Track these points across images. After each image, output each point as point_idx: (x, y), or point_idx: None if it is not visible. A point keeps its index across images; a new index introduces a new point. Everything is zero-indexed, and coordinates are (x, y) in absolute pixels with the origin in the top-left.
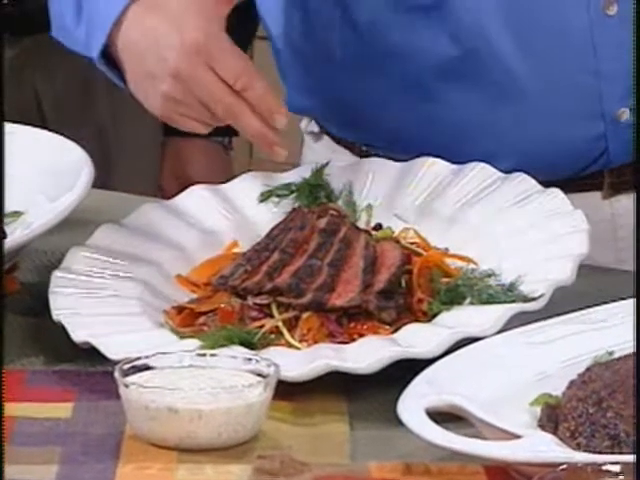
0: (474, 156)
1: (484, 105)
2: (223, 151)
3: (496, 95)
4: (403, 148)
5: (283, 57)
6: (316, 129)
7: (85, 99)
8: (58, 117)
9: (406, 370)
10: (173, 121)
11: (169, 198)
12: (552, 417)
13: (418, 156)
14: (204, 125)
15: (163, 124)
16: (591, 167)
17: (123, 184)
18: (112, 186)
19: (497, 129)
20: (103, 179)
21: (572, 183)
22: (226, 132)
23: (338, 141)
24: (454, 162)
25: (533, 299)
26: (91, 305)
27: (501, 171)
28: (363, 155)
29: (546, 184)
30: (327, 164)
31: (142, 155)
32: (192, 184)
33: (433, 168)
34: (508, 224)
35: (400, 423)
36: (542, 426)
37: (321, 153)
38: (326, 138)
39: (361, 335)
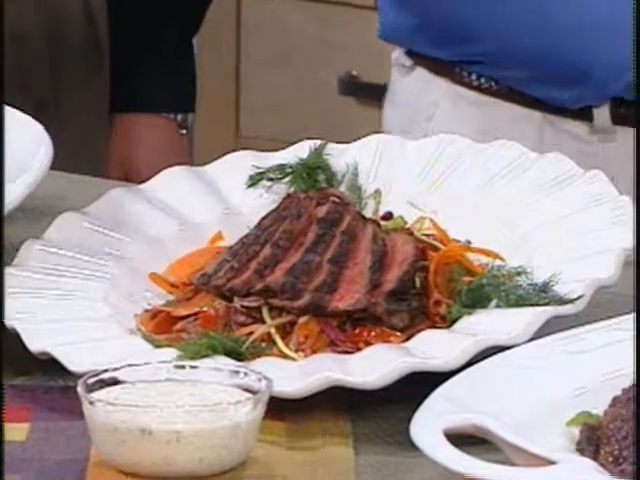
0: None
1: None
2: (177, 130)
3: None
4: (516, 60)
5: None
6: (408, 62)
7: (20, 65)
8: None
9: (421, 385)
10: None
11: (126, 181)
12: (592, 440)
13: (526, 70)
14: None
15: (111, 98)
16: None
17: (63, 166)
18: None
19: None
20: None
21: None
22: (180, 106)
23: (435, 69)
24: (573, 75)
25: (570, 301)
26: (50, 309)
27: None
28: (463, 83)
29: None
30: (326, 143)
31: (87, 133)
32: (136, 170)
33: (453, 146)
34: (541, 212)
35: (414, 447)
36: (581, 450)
37: (412, 88)
38: (419, 69)
39: (368, 344)
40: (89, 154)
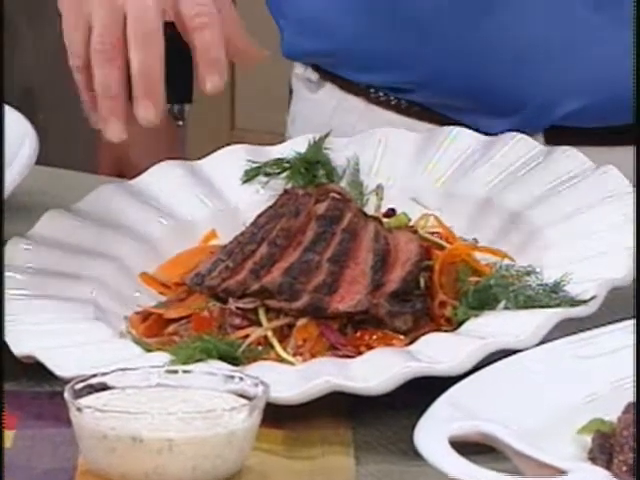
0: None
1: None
2: (172, 122)
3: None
4: (447, 89)
5: None
6: (314, 77)
7: (7, 51)
8: None
9: (425, 390)
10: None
11: (118, 176)
12: (605, 448)
13: (459, 99)
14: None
15: None
16: None
17: (53, 160)
18: (39, 162)
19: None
20: None
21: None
22: (177, 97)
23: (348, 87)
24: (509, 106)
25: (582, 302)
26: (35, 311)
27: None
28: (380, 102)
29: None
30: (328, 135)
31: (78, 124)
32: (130, 164)
33: (459, 139)
34: (552, 209)
35: (418, 456)
36: (593, 459)
37: (322, 104)
38: (329, 86)
39: (369, 347)
40: (79, 147)
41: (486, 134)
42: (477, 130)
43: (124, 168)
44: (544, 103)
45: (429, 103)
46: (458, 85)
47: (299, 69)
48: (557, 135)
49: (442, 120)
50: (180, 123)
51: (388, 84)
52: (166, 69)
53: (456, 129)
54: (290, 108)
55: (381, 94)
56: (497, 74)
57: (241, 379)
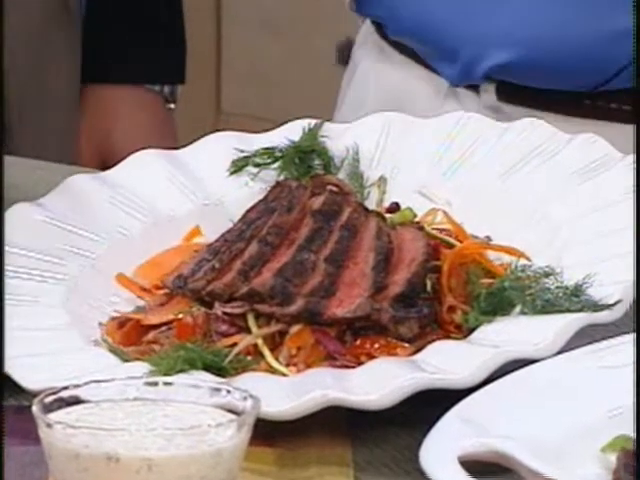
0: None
1: None
2: (163, 105)
3: None
4: (401, 28)
5: None
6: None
7: None
8: None
9: (432, 405)
10: None
11: (103, 168)
12: (630, 467)
13: (412, 40)
14: None
15: (83, 64)
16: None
17: (25, 149)
18: (11, 151)
19: None
20: None
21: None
22: (168, 76)
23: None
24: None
25: (606, 307)
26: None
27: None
28: (386, 38)
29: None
30: (323, 123)
31: (54, 108)
32: (115, 152)
33: (471, 125)
34: (572, 204)
35: (424, 476)
36: (618, 479)
37: (360, 36)
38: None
39: (371, 357)
40: (57, 134)
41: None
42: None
43: (107, 157)
44: (474, 51)
45: (404, 41)
46: (407, 25)
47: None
48: (510, 93)
49: (417, 59)
50: (172, 106)
51: (372, 16)
52: (157, 49)
53: (467, 114)
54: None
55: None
56: (433, 17)
57: (228, 392)
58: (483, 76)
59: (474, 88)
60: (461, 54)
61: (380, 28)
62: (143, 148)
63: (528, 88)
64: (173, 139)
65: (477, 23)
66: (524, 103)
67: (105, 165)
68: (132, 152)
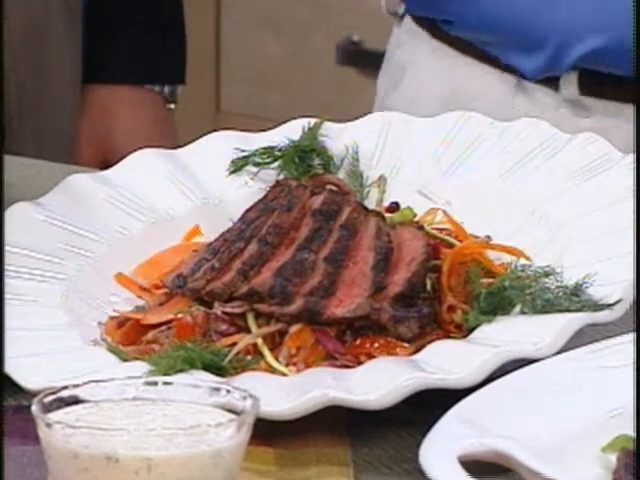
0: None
1: None
2: (163, 105)
3: None
4: (479, 23)
5: None
6: (400, 9)
7: None
8: None
9: (432, 404)
10: None
11: (103, 168)
12: (630, 467)
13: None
14: None
15: (83, 64)
16: None
17: (26, 148)
18: (11, 150)
19: None
20: None
21: None
22: (168, 77)
23: (419, 21)
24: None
25: (607, 307)
26: None
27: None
28: (442, 38)
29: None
30: (322, 122)
31: (54, 108)
32: (115, 152)
33: (471, 124)
34: (573, 203)
35: (424, 476)
36: (618, 479)
37: (395, 41)
38: (407, 20)
39: (370, 356)
40: (56, 133)
41: (522, 76)
42: (511, 69)
43: (108, 157)
44: (564, 39)
45: (470, 38)
46: (486, 19)
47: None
48: (592, 84)
49: (486, 58)
50: (172, 106)
51: (436, 15)
52: (158, 49)
53: (467, 114)
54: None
55: (444, 29)
56: (518, 7)
57: (228, 392)
58: (570, 65)
59: (551, 82)
60: (548, 43)
61: (433, 28)
62: (143, 148)
63: (612, 78)
64: (173, 139)
65: (566, 9)
66: (606, 95)
67: (105, 165)
68: (132, 152)
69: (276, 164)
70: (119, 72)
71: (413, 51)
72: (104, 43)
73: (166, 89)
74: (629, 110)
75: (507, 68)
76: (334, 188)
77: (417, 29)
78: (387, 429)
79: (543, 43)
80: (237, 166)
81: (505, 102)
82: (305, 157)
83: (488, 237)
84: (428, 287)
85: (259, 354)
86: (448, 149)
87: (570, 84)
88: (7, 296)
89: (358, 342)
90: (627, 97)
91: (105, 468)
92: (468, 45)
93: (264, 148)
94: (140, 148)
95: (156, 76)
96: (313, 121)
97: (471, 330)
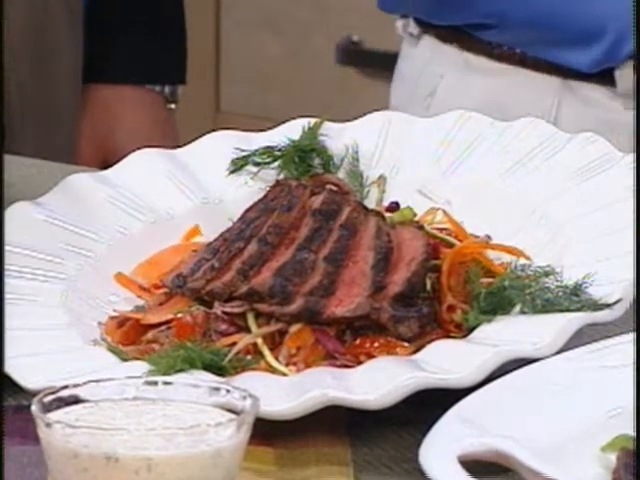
0: None
1: None
2: (164, 105)
3: None
4: (526, 21)
5: None
6: (415, 30)
7: None
8: None
9: (432, 404)
10: None
11: (103, 168)
12: (630, 466)
13: (538, 31)
14: None
15: (84, 64)
16: None
17: (26, 148)
18: (12, 150)
19: None
20: None
21: None
22: (169, 77)
23: (443, 37)
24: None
25: (606, 306)
26: None
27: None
28: (473, 48)
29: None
30: (322, 122)
31: (55, 108)
32: (116, 152)
33: (471, 124)
34: (572, 203)
35: (424, 476)
36: (618, 479)
37: (418, 60)
38: (427, 38)
39: (370, 356)
40: (57, 133)
41: (576, 74)
42: (561, 67)
43: (109, 158)
44: (622, 31)
45: (511, 40)
46: (535, 16)
47: (400, 22)
48: None
49: (527, 61)
50: (172, 106)
51: (470, 21)
52: (159, 49)
53: (467, 113)
54: (397, 64)
55: (475, 38)
56: (571, 2)
57: (228, 391)
58: (627, 56)
59: (601, 76)
60: (607, 33)
61: (462, 39)
62: (144, 148)
63: None
64: (174, 139)
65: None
66: None
67: (105, 165)
68: (133, 152)
69: (276, 164)
70: (120, 72)
71: (441, 69)
72: (105, 43)
73: (166, 89)
74: None
75: (551, 68)
76: (334, 188)
77: (441, 45)
78: (387, 429)
79: (600, 34)
80: (237, 166)
81: (547, 106)
82: (305, 157)
83: (488, 237)
84: (428, 287)
85: (259, 354)
86: (448, 149)
87: (625, 75)
88: (7, 296)
89: (358, 342)
90: None
91: (105, 468)
92: (507, 49)
93: (264, 148)
94: (141, 148)
95: (156, 76)
96: (313, 121)
97: (471, 330)
